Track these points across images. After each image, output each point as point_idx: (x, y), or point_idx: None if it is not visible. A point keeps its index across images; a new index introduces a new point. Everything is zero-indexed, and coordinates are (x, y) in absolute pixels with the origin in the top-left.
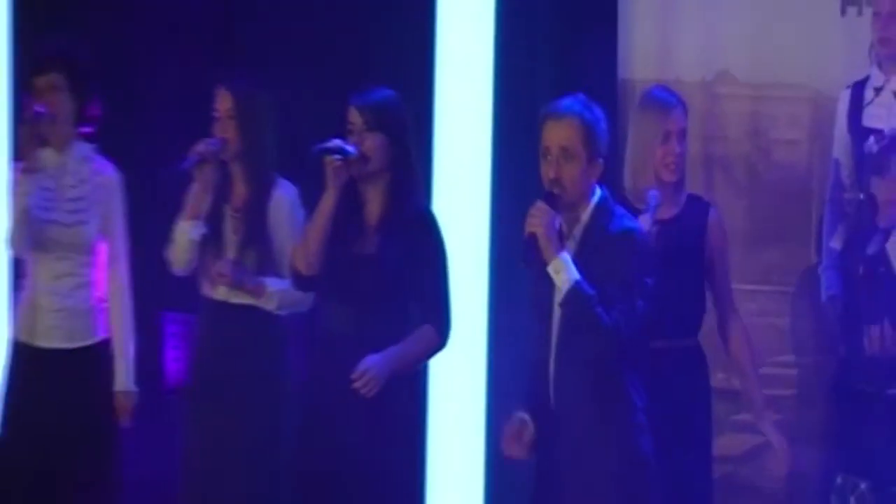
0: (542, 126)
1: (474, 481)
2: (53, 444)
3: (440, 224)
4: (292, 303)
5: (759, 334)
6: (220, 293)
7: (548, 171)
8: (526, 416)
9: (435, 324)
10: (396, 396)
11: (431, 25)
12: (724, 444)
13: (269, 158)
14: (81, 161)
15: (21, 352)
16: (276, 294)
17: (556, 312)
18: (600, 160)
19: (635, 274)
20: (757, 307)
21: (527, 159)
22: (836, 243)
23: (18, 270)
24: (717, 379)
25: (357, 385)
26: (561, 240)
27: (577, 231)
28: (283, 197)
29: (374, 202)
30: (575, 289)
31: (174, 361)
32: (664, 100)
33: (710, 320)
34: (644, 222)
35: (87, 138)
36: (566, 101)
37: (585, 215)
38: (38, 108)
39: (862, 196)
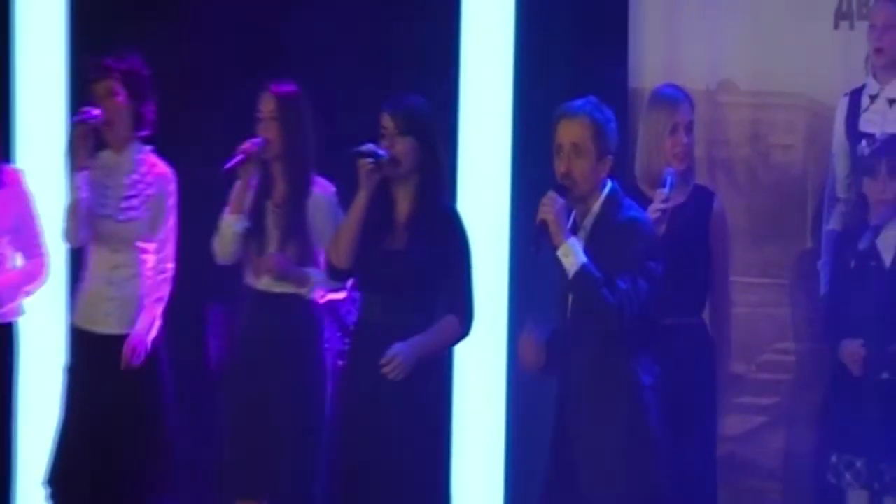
0: (556, 125)
1: (495, 457)
2: (107, 422)
3: (464, 222)
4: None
5: (759, 323)
6: (263, 283)
7: (560, 166)
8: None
9: (459, 314)
10: (423, 380)
11: (457, 38)
12: (726, 424)
13: (308, 158)
14: (137, 161)
15: (79, 337)
16: (317, 283)
17: (570, 297)
18: (609, 156)
19: (640, 259)
20: (757, 298)
21: (544, 162)
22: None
23: (80, 262)
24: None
25: (386, 370)
26: (572, 229)
27: (588, 221)
28: (322, 195)
29: (403, 201)
30: (582, 271)
31: (217, 347)
32: (672, 95)
33: None
34: (659, 196)
35: (144, 140)
36: (578, 102)
37: (596, 206)
38: (94, 111)
39: (854, 196)
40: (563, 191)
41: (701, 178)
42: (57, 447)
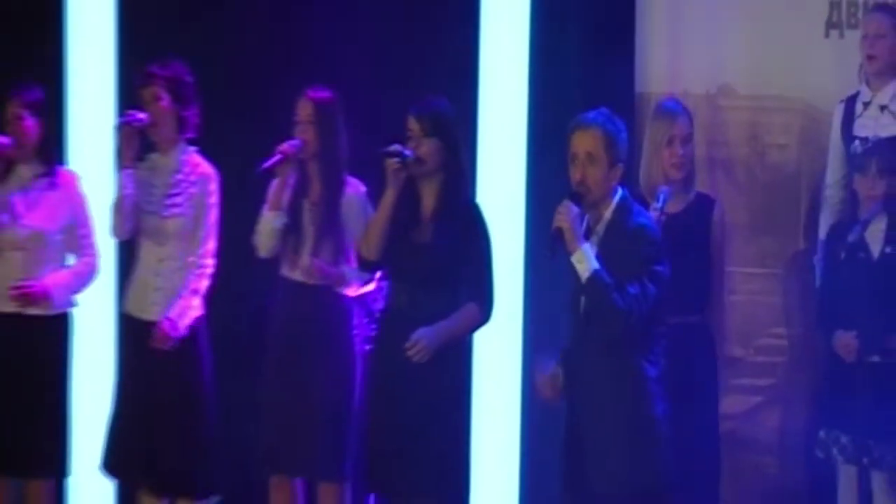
0: (571, 135)
1: (512, 436)
2: (151, 400)
3: (485, 216)
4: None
5: (755, 310)
6: (298, 274)
7: (575, 174)
8: (559, 369)
9: (479, 302)
10: (445, 363)
11: (476, 48)
12: (727, 404)
13: (341, 159)
14: (181, 161)
15: (129, 323)
16: (352, 281)
17: (583, 300)
18: (620, 164)
19: (649, 263)
20: (754, 287)
21: (556, 162)
22: (822, 233)
23: (132, 254)
24: (719, 348)
25: (410, 353)
26: (585, 234)
27: (601, 227)
28: (354, 194)
29: (428, 198)
30: (594, 277)
31: (254, 334)
32: (671, 109)
33: None
34: (653, 211)
35: (189, 142)
36: (591, 114)
37: (608, 213)
38: (139, 114)
39: (846, 192)
40: (577, 198)
41: (702, 177)
42: (110, 428)
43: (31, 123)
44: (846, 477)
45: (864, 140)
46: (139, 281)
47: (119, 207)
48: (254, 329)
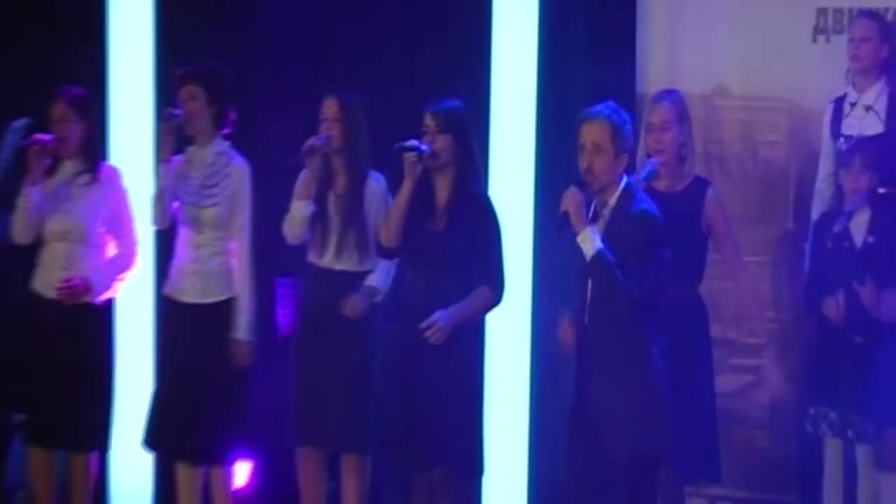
0: (579, 127)
1: (522, 409)
2: (189, 376)
3: (495, 206)
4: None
5: (748, 295)
6: (324, 261)
7: (582, 163)
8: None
9: (491, 285)
10: (459, 342)
11: (488, 48)
12: (721, 382)
13: (364, 154)
14: (218, 155)
15: (169, 305)
16: (382, 288)
17: (590, 280)
18: (625, 155)
19: (651, 246)
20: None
21: (563, 157)
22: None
23: (173, 241)
24: (714, 331)
25: (427, 334)
26: (592, 218)
27: (607, 212)
28: (376, 186)
29: (442, 189)
30: (598, 256)
31: (283, 317)
32: (653, 98)
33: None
34: (637, 182)
35: (225, 137)
36: (599, 107)
37: (613, 199)
38: (177, 111)
39: (836, 186)
40: (584, 185)
41: (699, 171)
42: (152, 402)
43: (74, 122)
44: (832, 450)
45: (849, 138)
46: (178, 266)
47: (160, 198)
48: (286, 311)
